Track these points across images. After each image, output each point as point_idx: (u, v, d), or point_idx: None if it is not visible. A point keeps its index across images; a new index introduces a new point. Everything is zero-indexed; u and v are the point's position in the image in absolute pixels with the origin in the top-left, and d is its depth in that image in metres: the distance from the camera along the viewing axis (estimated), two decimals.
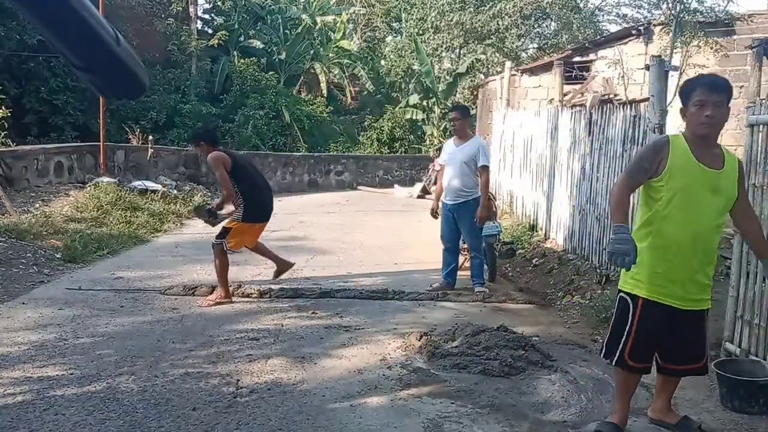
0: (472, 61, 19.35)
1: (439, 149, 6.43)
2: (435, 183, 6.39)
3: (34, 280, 6.03)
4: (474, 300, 5.75)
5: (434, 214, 6.32)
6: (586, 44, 13.91)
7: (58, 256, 6.85)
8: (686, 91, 2.87)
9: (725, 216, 2.94)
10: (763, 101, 3.89)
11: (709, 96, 2.79)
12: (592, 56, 13.38)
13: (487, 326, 4.53)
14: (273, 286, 5.95)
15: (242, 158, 5.98)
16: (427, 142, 20.24)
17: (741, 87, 11.29)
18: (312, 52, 21.58)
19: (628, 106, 5.88)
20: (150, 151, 12.84)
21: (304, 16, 21.48)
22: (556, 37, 19.70)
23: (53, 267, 6.54)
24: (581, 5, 19.99)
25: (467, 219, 5.99)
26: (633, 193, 3.14)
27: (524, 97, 14.09)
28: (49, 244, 7.15)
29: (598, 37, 15.65)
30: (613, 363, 3.01)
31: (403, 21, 23.17)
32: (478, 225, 6.04)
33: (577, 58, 13.65)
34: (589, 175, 6.62)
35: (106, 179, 10.78)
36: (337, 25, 22.23)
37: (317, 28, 21.82)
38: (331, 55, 21.96)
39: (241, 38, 20.59)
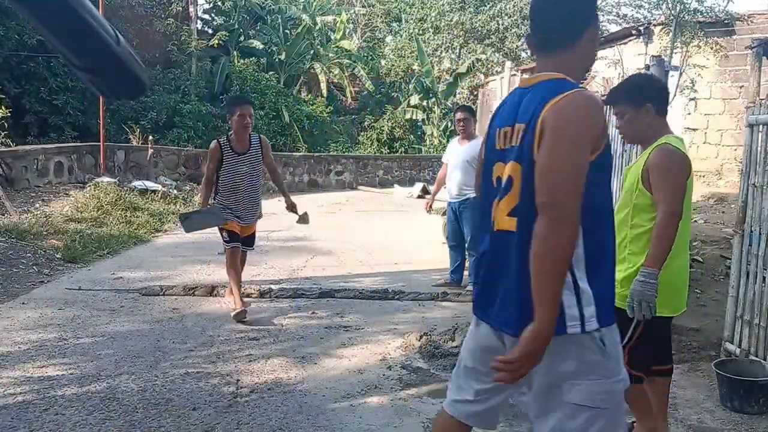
0: (472, 61, 19.37)
1: None
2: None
3: (34, 280, 6.03)
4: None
5: (428, 208, 6.52)
6: None
7: (58, 256, 6.85)
8: None
9: (626, 210, 2.74)
10: (763, 101, 3.89)
11: (613, 110, 2.88)
12: None
13: None
14: (273, 286, 5.95)
15: None
16: (427, 142, 20.25)
17: (741, 87, 11.30)
18: (312, 52, 21.59)
19: None
20: (150, 151, 12.84)
21: (304, 16, 21.49)
22: None
23: (53, 267, 6.54)
24: None
25: (470, 216, 6.02)
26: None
27: None
28: (49, 244, 7.15)
29: None
30: None
31: (403, 21, 23.19)
32: None
33: None
34: None
35: (106, 179, 10.79)
36: (337, 25, 22.24)
37: (317, 28, 21.83)
38: (331, 55, 21.97)
39: (241, 38, 20.60)
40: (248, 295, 5.67)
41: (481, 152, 2.14)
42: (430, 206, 6.52)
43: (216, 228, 5.26)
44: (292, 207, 5.41)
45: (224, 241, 5.18)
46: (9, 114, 11.06)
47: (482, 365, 1.98)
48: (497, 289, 1.90)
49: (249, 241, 5.38)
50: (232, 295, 5.23)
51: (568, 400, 1.80)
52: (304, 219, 5.60)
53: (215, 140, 5.15)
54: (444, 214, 6.82)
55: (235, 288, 5.04)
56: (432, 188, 6.82)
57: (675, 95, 10.48)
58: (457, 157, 6.07)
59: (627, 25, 12.97)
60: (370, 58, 23.90)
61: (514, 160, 1.83)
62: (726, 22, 11.33)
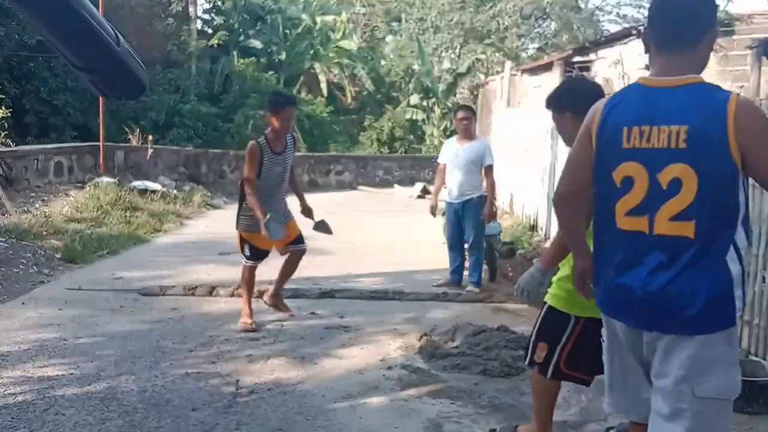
0: (472, 61, 19.36)
1: None
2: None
3: (34, 280, 6.03)
4: (474, 300, 5.75)
5: (433, 212, 6.38)
6: (587, 44, 13.89)
7: (58, 256, 6.85)
8: None
9: None
10: (763, 101, 3.89)
11: None
12: (592, 56, 13.37)
13: (487, 326, 4.53)
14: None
15: None
16: (427, 142, 20.23)
17: (741, 87, 11.29)
18: (312, 52, 21.57)
19: None
20: (150, 151, 12.84)
21: (304, 16, 21.47)
22: (556, 37, 19.74)
23: (53, 267, 6.54)
24: (581, 5, 20.02)
25: (472, 216, 6.02)
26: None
27: (524, 97, 14.08)
28: (49, 244, 7.15)
29: (599, 37, 15.65)
30: None
31: (403, 21, 23.18)
32: (486, 223, 6.09)
33: (577, 58, 13.63)
34: None
35: (105, 179, 10.78)
36: (337, 25, 22.22)
37: (317, 28, 21.81)
38: (331, 55, 21.95)
39: (241, 38, 20.58)
40: None
41: (583, 150, 2.09)
42: (434, 208, 6.39)
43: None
44: (308, 212, 5.08)
45: (245, 256, 4.82)
46: (9, 114, 11.05)
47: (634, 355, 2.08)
48: (649, 291, 1.92)
49: (299, 239, 4.90)
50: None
51: (700, 394, 1.88)
52: (322, 227, 5.11)
53: (253, 141, 4.75)
54: (444, 214, 6.80)
55: (246, 305, 4.81)
56: (432, 188, 6.77)
57: None
58: (458, 157, 6.05)
59: (627, 25, 12.97)
60: (370, 58, 23.88)
61: (685, 163, 1.84)
62: (726, 22, 11.32)
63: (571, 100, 2.80)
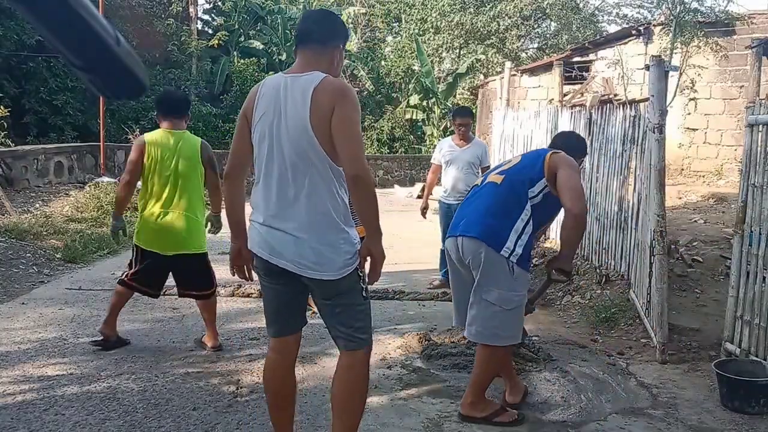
0: (472, 62, 19.38)
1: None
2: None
3: (34, 280, 6.03)
4: None
5: (424, 213, 6.33)
6: (586, 44, 13.91)
7: (58, 256, 6.85)
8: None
9: None
10: (763, 101, 3.89)
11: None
12: (592, 56, 13.39)
13: None
14: None
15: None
16: (427, 142, 20.27)
17: (741, 87, 11.30)
18: None
19: (628, 106, 5.89)
20: None
21: None
22: (556, 37, 19.76)
23: (53, 267, 6.54)
24: (581, 6, 20.04)
25: None
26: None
27: (524, 97, 14.09)
28: (49, 244, 7.16)
29: (598, 37, 15.66)
30: None
31: (403, 22, 23.20)
32: None
33: (577, 59, 13.65)
34: (588, 175, 6.62)
35: (106, 179, 10.80)
36: None
37: None
38: None
39: (242, 38, 20.61)
40: (248, 295, 5.67)
41: None
42: (425, 209, 6.32)
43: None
44: None
45: None
46: (9, 114, 11.07)
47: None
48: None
49: None
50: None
51: (486, 298, 3.14)
52: None
53: None
54: (435, 212, 6.75)
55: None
56: (425, 189, 6.71)
57: (675, 95, 10.48)
58: (457, 159, 6.03)
59: (627, 26, 12.98)
60: (370, 58, 23.90)
61: None
62: (726, 22, 11.34)
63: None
